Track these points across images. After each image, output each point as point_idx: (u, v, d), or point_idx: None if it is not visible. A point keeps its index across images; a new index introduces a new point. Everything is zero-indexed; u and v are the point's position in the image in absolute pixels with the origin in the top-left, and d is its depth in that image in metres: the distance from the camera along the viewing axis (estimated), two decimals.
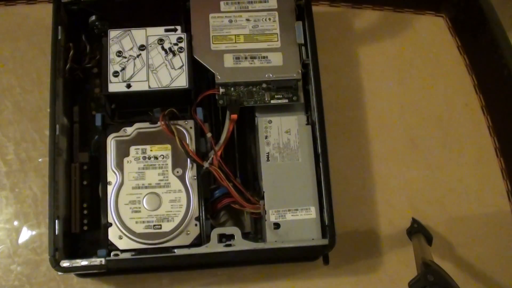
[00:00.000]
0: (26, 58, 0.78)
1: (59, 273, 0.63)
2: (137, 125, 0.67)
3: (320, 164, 0.66)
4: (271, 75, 0.68)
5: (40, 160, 0.74)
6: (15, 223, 0.72)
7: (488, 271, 0.73)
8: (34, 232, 0.71)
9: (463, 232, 0.74)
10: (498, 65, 0.80)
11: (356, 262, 0.72)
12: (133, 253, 0.63)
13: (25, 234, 0.71)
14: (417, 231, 0.71)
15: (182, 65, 0.67)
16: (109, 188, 0.65)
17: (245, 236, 0.65)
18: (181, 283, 0.70)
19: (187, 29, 0.69)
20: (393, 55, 0.82)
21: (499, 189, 0.77)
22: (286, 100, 0.69)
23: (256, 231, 0.69)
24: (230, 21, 0.70)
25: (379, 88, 0.80)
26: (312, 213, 0.65)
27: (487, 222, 0.75)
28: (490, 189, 0.77)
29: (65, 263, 0.62)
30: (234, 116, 0.67)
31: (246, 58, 0.69)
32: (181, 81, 0.67)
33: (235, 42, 0.69)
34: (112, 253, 0.63)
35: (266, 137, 0.68)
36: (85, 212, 0.68)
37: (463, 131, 0.80)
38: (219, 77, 0.68)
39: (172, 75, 0.67)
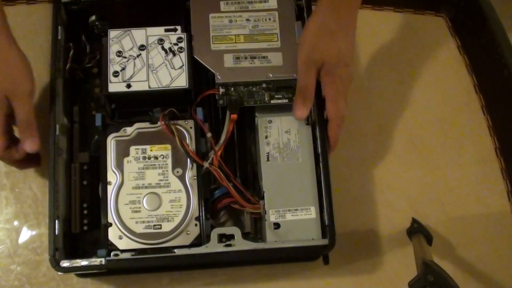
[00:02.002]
0: None
1: (59, 273, 0.63)
2: (137, 125, 0.67)
3: (320, 164, 0.66)
4: (271, 75, 0.68)
5: None
6: (15, 223, 0.71)
7: (488, 271, 0.73)
8: (34, 232, 0.71)
9: (463, 232, 0.74)
10: (498, 65, 0.80)
11: (356, 262, 0.72)
12: (133, 253, 0.62)
13: (25, 234, 0.71)
14: (417, 231, 0.71)
15: (182, 65, 0.67)
16: (109, 188, 0.65)
17: (245, 236, 0.65)
18: (181, 283, 0.70)
19: (187, 29, 0.69)
20: (393, 55, 0.82)
21: (499, 189, 0.77)
22: (286, 100, 0.69)
23: (256, 231, 0.69)
24: (230, 21, 0.70)
25: (379, 88, 0.80)
26: (312, 213, 0.65)
27: (487, 222, 0.75)
28: (490, 189, 0.77)
29: (65, 263, 0.61)
30: (234, 116, 0.67)
31: (246, 58, 0.69)
32: (181, 81, 0.67)
33: (235, 42, 0.69)
34: (112, 253, 0.62)
35: (266, 137, 0.68)
36: (85, 212, 0.68)
37: (463, 131, 0.80)
38: (219, 77, 0.68)
39: (172, 75, 0.67)
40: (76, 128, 0.71)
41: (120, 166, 0.65)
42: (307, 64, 0.65)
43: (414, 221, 0.72)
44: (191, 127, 0.67)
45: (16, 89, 0.61)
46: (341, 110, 0.65)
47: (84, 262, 0.62)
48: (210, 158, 0.66)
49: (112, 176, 0.65)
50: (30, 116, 0.62)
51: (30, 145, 0.62)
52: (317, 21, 0.66)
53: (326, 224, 0.64)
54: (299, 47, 0.67)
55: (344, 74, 0.65)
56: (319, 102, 0.67)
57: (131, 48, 0.68)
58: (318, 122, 0.67)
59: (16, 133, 0.64)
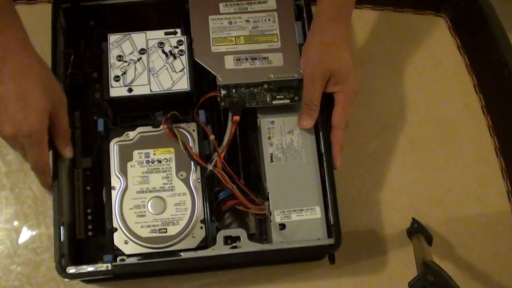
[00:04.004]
0: None
1: (66, 280, 0.63)
2: (139, 129, 0.67)
3: (324, 163, 0.66)
4: (272, 76, 0.68)
5: None
6: (15, 223, 0.71)
7: (488, 271, 0.74)
8: (34, 232, 0.71)
9: (463, 232, 0.76)
10: (498, 65, 0.81)
11: (356, 262, 0.73)
12: (139, 257, 0.63)
13: (25, 234, 0.71)
14: (417, 231, 0.71)
15: (183, 68, 0.67)
16: (113, 193, 0.65)
17: (250, 237, 0.65)
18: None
19: (187, 32, 0.69)
20: (393, 55, 0.83)
21: (499, 189, 0.78)
22: (288, 101, 0.69)
23: (260, 232, 0.69)
24: (230, 22, 0.70)
25: (379, 88, 0.81)
26: (317, 213, 0.66)
27: (487, 222, 0.76)
28: (490, 189, 0.78)
29: (71, 270, 0.62)
30: (236, 118, 0.67)
31: (246, 59, 0.69)
32: (183, 84, 0.67)
33: (235, 44, 0.69)
34: (118, 258, 0.62)
35: (269, 138, 0.68)
36: (89, 217, 0.68)
37: (463, 131, 0.80)
38: (220, 79, 0.68)
39: (174, 78, 0.67)
40: (78, 134, 0.71)
41: (123, 171, 0.65)
42: (313, 78, 0.66)
43: (414, 221, 0.73)
44: (193, 130, 0.67)
45: (60, 102, 0.62)
46: (347, 116, 0.67)
47: (90, 268, 0.62)
48: (214, 161, 0.66)
49: (116, 181, 0.65)
50: (67, 125, 0.65)
51: (69, 152, 0.65)
52: (319, 34, 0.67)
53: (332, 223, 0.65)
54: (303, 61, 0.68)
55: (354, 84, 0.67)
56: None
57: (132, 52, 0.67)
58: (321, 121, 0.67)
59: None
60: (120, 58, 0.67)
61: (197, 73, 0.68)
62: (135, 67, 0.67)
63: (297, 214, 0.66)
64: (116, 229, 0.64)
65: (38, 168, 0.62)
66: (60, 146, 0.64)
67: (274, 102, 0.68)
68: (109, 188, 0.65)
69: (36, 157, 0.61)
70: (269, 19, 0.70)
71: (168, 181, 0.66)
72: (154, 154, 0.66)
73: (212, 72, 0.68)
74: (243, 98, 0.68)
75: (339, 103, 0.66)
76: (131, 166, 0.66)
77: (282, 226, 0.65)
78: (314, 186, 0.66)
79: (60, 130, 0.63)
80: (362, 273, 0.73)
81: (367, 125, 0.79)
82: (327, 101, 0.67)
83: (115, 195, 0.65)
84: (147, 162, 0.66)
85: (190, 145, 0.66)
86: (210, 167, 0.66)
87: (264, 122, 0.69)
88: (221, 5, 0.70)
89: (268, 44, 0.69)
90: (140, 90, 0.66)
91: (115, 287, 0.70)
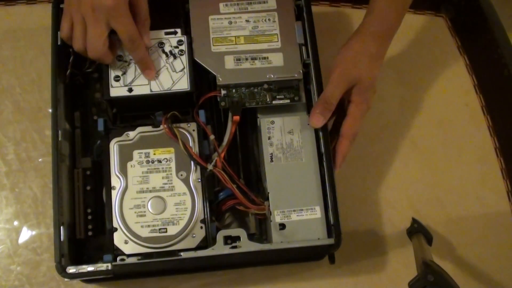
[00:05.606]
0: (26, 58, 0.77)
1: (66, 279, 0.63)
2: (139, 129, 0.67)
3: (324, 163, 0.66)
4: (272, 76, 0.68)
5: (40, 160, 0.74)
6: (15, 223, 0.72)
7: (488, 271, 0.74)
8: (34, 232, 0.71)
9: (463, 232, 0.76)
10: (498, 65, 0.81)
11: (356, 262, 0.73)
12: (139, 257, 0.63)
13: (25, 234, 0.71)
14: (417, 231, 0.72)
15: (183, 68, 0.67)
16: (113, 192, 0.65)
17: (250, 237, 0.65)
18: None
19: (187, 32, 0.69)
20: (393, 55, 0.82)
21: (499, 189, 0.78)
22: (288, 101, 0.69)
23: (261, 232, 0.69)
24: (230, 22, 0.70)
25: (379, 88, 0.79)
26: (317, 212, 0.66)
27: (487, 222, 0.76)
28: (490, 189, 0.78)
29: (71, 269, 0.61)
30: (236, 118, 0.67)
31: (246, 59, 0.69)
32: (183, 84, 0.67)
33: (236, 44, 0.69)
34: (118, 258, 0.62)
35: (269, 138, 0.68)
36: (89, 217, 0.68)
37: (463, 131, 0.80)
38: (220, 79, 0.68)
39: (174, 78, 0.67)
40: (78, 134, 0.71)
41: (123, 171, 0.65)
42: (341, 77, 0.66)
43: (414, 221, 0.73)
44: (193, 130, 0.67)
45: (97, 7, 0.62)
46: (357, 129, 0.67)
47: (90, 268, 0.62)
48: (214, 160, 0.66)
49: (116, 181, 0.65)
50: (147, 12, 0.65)
51: (148, 40, 0.66)
52: (362, 44, 0.68)
53: (332, 223, 0.65)
54: (339, 60, 0.67)
55: (370, 99, 0.68)
56: None
57: None
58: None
59: None
60: (120, 58, 0.67)
61: (197, 73, 0.68)
62: (135, 67, 0.67)
63: (297, 214, 0.66)
64: (116, 229, 0.64)
65: (129, 40, 0.64)
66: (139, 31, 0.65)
67: (274, 102, 0.68)
68: (109, 188, 0.65)
69: (123, 27, 0.63)
70: (269, 19, 0.70)
71: (168, 181, 0.66)
72: (154, 154, 0.66)
73: (212, 72, 0.68)
74: (243, 98, 0.68)
75: (351, 114, 0.67)
76: (131, 166, 0.66)
77: (282, 226, 0.65)
78: (314, 186, 0.66)
79: (140, 14, 0.64)
80: (362, 273, 0.73)
81: (368, 125, 0.79)
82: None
83: (115, 195, 0.65)
84: (147, 162, 0.66)
85: (190, 145, 0.67)
86: (210, 167, 0.66)
87: (264, 122, 0.69)
88: (221, 5, 0.70)
89: (268, 44, 0.69)
90: (140, 90, 0.66)
91: (115, 287, 0.70)
